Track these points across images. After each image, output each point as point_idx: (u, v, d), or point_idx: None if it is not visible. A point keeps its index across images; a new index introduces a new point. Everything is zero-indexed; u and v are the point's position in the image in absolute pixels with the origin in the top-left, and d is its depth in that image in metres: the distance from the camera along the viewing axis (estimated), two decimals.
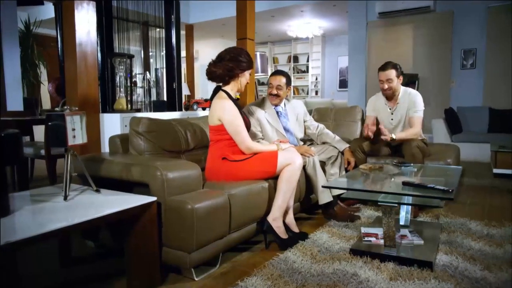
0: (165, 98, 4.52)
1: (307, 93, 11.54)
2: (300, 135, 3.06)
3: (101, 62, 3.58)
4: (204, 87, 10.84)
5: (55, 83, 4.68)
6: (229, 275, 1.93)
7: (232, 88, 2.39)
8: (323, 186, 2.41)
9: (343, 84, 10.64)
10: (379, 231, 2.22)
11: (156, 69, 4.40)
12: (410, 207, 2.42)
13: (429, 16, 6.45)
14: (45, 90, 6.68)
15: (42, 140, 3.65)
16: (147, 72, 4.35)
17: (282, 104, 2.98)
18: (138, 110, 3.73)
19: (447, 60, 6.34)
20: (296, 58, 11.72)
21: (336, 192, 2.69)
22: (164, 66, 4.46)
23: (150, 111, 3.95)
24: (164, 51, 4.48)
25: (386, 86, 3.01)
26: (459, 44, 6.24)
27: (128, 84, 3.55)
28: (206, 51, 11.30)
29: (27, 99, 6.11)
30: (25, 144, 3.80)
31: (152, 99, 4.20)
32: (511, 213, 2.89)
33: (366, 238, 2.21)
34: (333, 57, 11.06)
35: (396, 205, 2.05)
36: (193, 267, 1.84)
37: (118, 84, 3.36)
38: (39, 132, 4.10)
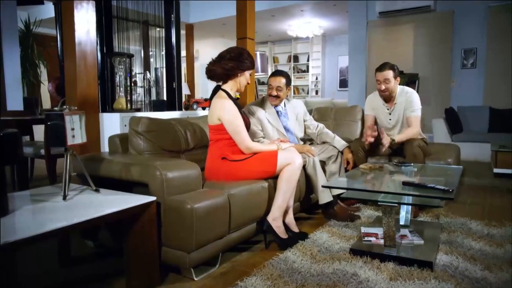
0: (165, 98, 4.51)
1: (307, 93, 11.54)
2: (300, 134, 3.06)
3: (100, 61, 3.57)
4: (204, 86, 10.84)
5: (55, 83, 4.68)
6: (228, 275, 1.92)
7: (231, 87, 2.39)
8: (323, 186, 2.40)
9: (343, 83, 10.64)
10: (379, 231, 2.21)
11: (155, 69, 4.40)
12: (410, 207, 2.42)
13: (429, 16, 6.44)
14: (45, 90, 6.68)
15: (42, 139, 3.65)
16: (147, 71, 4.35)
17: (282, 104, 2.98)
18: (138, 110, 3.73)
19: (447, 60, 6.33)
20: (296, 58, 11.72)
21: (336, 191, 2.69)
22: (164, 65, 4.45)
23: (150, 110, 3.94)
24: (164, 51, 4.48)
25: (383, 87, 3.00)
26: (459, 43, 6.23)
27: (128, 83, 3.54)
28: (206, 51, 11.29)
29: (27, 98, 6.11)
30: (25, 144, 3.80)
31: (152, 99, 4.20)
32: (511, 213, 2.89)
33: (366, 238, 2.21)
34: (333, 56, 11.05)
35: (396, 205, 2.05)
36: (192, 267, 1.84)
37: (118, 84, 3.35)
38: (39, 131, 4.10)
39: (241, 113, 2.35)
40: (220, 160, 2.31)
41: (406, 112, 3.06)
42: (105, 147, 2.56)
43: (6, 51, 5.67)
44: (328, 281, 1.79)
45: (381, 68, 3.02)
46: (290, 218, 2.40)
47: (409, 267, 1.90)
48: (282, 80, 2.84)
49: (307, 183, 2.72)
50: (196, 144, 2.61)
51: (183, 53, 9.02)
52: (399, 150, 3.15)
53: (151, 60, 4.68)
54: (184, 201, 1.78)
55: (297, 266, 1.95)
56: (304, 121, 3.09)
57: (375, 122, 3.23)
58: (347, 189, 2.20)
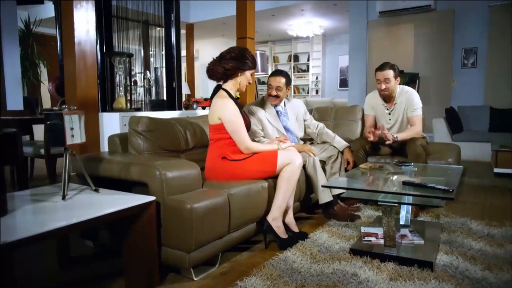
0: (164, 98, 4.51)
1: (308, 92, 11.53)
2: (300, 134, 3.05)
3: (100, 61, 3.57)
4: (204, 86, 10.84)
5: (55, 83, 4.67)
6: (228, 275, 1.92)
7: (231, 87, 2.38)
8: (323, 186, 2.40)
9: (343, 83, 10.63)
10: (379, 230, 2.21)
11: (155, 68, 4.40)
12: (410, 206, 2.41)
13: (430, 15, 6.43)
14: (46, 90, 6.68)
15: (42, 139, 3.65)
16: (147, 71, 4.35)
17: (282, 104, 2.97)
18: (138, 109, 3.73)
19: (448, 59, 6.32)
20: (296, 57, 11.71)
21: (336, 191, 2.68)
22: (164, 65, 4.45)
23: (150, 110, 3.94)
24: (164, 50, 4.47)
25: (383, 86, 3.00)
26: (460, 43, 6.22)
27: (128, 83, 3.54)
28: (206, 50, 11.29)
29: (27, 98, 6.10)
30: (25, 144, 3.80)
31: (152, 98, 4.20)
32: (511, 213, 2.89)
33: (366, 238, 2.20)
34: (333, 56, 11.04)
35: (396, 204, 2.04)
36: (192, 267, 1.84)
37: (118, 83, 3.35)
38: (39, 131, 4.10)
39: (241, 112, 2.35)
40: (220, 159, 2.30)
41: (408, 112, 3.05)
42: (104, 147, 2.55)
43: (6, 50, 5.67)
44: (328, 281, 1.78)
45: (382, 67, 3.01)
46: (290, 218, 2.39)
47: (409, 267, 1.90)
48: (282, 80, 2.83)
49: (307, 183, 2.72)
50: (196, 144, 2.60)
51: (183, 52, 9.01)
52: (400, 150, 3.14)
53: (151, 59, 4.68)
54: (184, 201, 1.78)
55: (297, 266, 1.95)
56: (304, 120, 3.09)
57: (375, 121, 3.23)
58: (347, 189, 2.19)
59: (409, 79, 6.10)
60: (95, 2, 2.57)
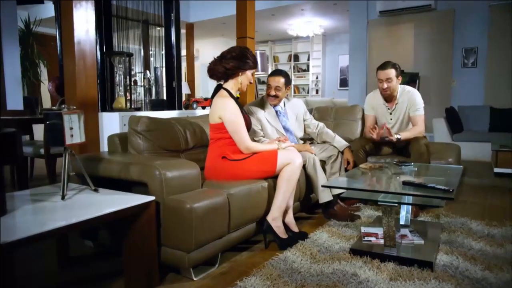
0: (164, 97, 4.51)
1: (308, 92, 11.53)
2: (300, 134, 3.04)
3: (100, 61, 3.57)
4: (204, 86, 10.84)
5: (55, 82, 4.67)
6: (228, 275, 1.92)
7: (232, 86, 2.38)
8: (323, 186, 2.39)
9: (343, 83, 10.62)
10: (379, 230, 2.21)
11: (155, 68, 4.39)
12: (410, 206, 2.41)
13: (430, 15, 6.42)
14: (46, 89, 6.68)
15: (42, 139, 3.64)
16: (147, 71, 4.35)
17: (281, 104, 2.97)
18: (138, 109, 3.73)
19: (448, 59, 6.32)
20: (296, 57, 11.70)
21: (336, 191, 2.68)
22: (164, 65, 4.45)
23: (150, 110, 3.94)
24: (164, 50, 4.47)
25: (385, 86, 2.99)
26: (460, 42, 6.22)
27: (127, 82, 3.54)
28: (206, 50, 11.29)
29: (27, 98, 6.10)
30: (25, 143, 3.79)
31: (152, 98, 4.20)
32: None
33: (366, 238, 2.20)
34: (333, 56, 11.04)
35: (396, 204, 2.04)
36: (191, 267, 1.83)
37: (118, 83, 3.35)
38: (39, 131, 4.10)
39: (242, 112, 2.34)
40: (220, 159, 2.30)
41: (410, 112, 3.05)
42: (104, 147, 2.55)
43: (6, 50, 5.66)
44: (328, 281, 1.78)
45: (383, 66, 3.01)
46: (290, 218, 2.39)
47: (409, 267, 1.90)
48: (281, 80, 2.82)
49: (307, 183, 2.71)
50: (196, 144, 2.60)
51: (184, 52, 9.01)
52: (400, 150, 3.14)
53: (151, 59, 4.68)
54: (183, 201, 1.78)
55: (297, 266, 1.94)
56: (304, 120, 3.08)
57: (375, 122, 3.22)
58: (347, 188, 2.19)
59: (409, 79, 6.10)
60: (95, 2, 2.57)
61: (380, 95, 3.16)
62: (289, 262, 1.99)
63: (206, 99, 4.56)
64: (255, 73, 4.41)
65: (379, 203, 2.03)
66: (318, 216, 2.88)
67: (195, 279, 1.86)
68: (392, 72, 2.97)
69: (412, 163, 2.60)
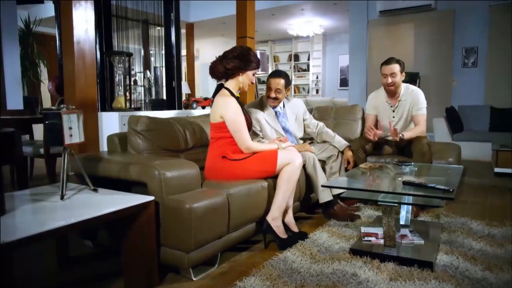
0: (164, 97, 4.50)
1: (308, 92, 11.53)
2: (300, 134, 3.04)
3: (100, 60, 3.56)
4: (204, 85, 10.83)
5: (55, 82, 4.67)
6: (227, 275, 1.91)
7: (233, 86, 2.38)
8: (322, 186, 2.39)
9: (344, 82, 10.62)
10: (379, 230, 2.20)
11: (155, 68, 4.39)
12: (410, 206, 2.41)
13: (430, 14, 6.42)
14: (46, 89, 6.68)
15: (42, 138, 3.64)
16: (147, 70, 4.34)
17: (280, 104, 2.95)
18: (138, 109, 3.72)
19: (448, 59, 6.31)
20: (296, 57, 11.70)
21: (336, 191, 2.67)
22: (164, 64, 4.44)
23: (150, 109, 3.93)
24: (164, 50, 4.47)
25: (390, 80, 2.99)
26: (460, 42, 6.21)
27: (127, 82, 3.53)
28: (206, 50, 11.28)
29: (27, 97, 6.10)
30: (25, 143, 3.79)
31: (152, 98, 4.19)
32: None
33: (366, 238, 2.20)
34: (334, 55, 11.04)
35: (396, 204, 2.04)
36: (191, 267, 1.83)
37: (117, 83, 3.34)
38: (39, 131, 4.09)
39: (243, 111, 2.34)
40: (220, 159, 2.30)
41: (412, 111, 3.05)
42: (104, 146, 2.55)
43: (6, 50, 5.65)
44: (327, 281, 1.77)
45: (388, 61, 3.03)
46: (289, 218, 2.38)
47: (409, 267, 1.89)
48: (281, 82, 2.80)
49: (307, 183, 2.71)
50: (196, 143, 2.59)
51: (184, 52, 9.01)
52: (401, 150, 3.14)
53: (152, 59, 4.67)
54: (183, 201, 1.77)
55: (297, 266, 1.94)
56: (303, 120, 3.07)
57: (376, 122, 3.22)
58: (347, 188, 2.18)
59: (410, 79, 6.09)
60: (95, 2, 2.56)
61: (382, 93, 3.16)
62: (289, 262, 1.99)
63: (206, 98, 4.55)
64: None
65: (379, 203, 2.03)
66: (318, 216, 2.88)
67: (194, 279, 1.85)
68: (396, 67, 2.98)
69: (412, 163, 2.60)
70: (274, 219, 2.23)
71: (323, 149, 2.94)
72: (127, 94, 3.61)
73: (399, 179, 2.18)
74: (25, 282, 1.89)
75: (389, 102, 3.13)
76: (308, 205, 2.88)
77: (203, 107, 4.52)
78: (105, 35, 3.70)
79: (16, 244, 1.25)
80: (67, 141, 1.72)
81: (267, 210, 2.25)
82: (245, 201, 2.10)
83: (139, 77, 4.28)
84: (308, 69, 11.50)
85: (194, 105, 4.36)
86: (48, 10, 7.43)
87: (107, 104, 3.62)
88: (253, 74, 2.42)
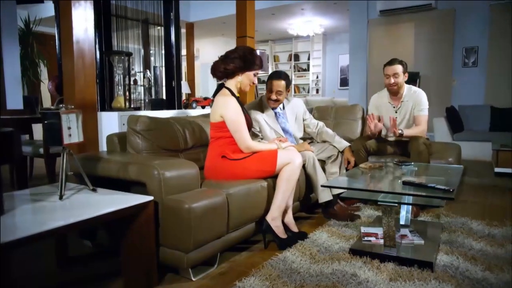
0: (164, 97, 4.50)
1: (308, 92, 11.52)
2: (300, 134, 3.03)
3: (99, 60, 3.56)
4: (204, 85, 10.83)
5: (54, 82, 4.67)
6: (227, 275, 1.91)
7: (233, 86, 2.37)
8: (322, 185, 2.38)
9: (344, 82, 10.61)
10: (379, 230, 2.20)
11: (154, 67, 4.38)
12: (410, 206, 2.40)
13: (430, 14, 6.41)
14: (46, 88, 6.68)
15: (42, 138, 3.64)
16: (147, 70, 4.33)
17: (280, 105, 2.94)
18: (137, 109, 3.72)
19: (448, 58, 6.31)
20: (297, 56, 11.69)
21: (336, 191, 2.67)
22: (163, 64, 4.44)
23: (151, 109, 3.93)
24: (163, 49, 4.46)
25: (392, 81, 3.01)
26: (460, 42, 6.21)
27: (127, 82, 3.53)
28: (206, 49, 11.28)
29: (27, 97, 6.10)
30: (24, 143, 3.79)
31: (151, 97, 4.19)
32: None
33: (366, 238, 2.19)
34: (334, 55, 11.03)
35: (396, 204, 2.03)
36: (190, 267, 1.82)
37: (117, 82, 3.34)
38: (38, 130, 4.09)
39: (243, 111, 2.33)
40: (220, 158, 2.29)
41: (414, 111, 3.06)
42: (103, 146, 2.54)
43: (6, 49, 5.65)
44: (327, 281, 1.77)
45: (391, 62, 3.05)
46: (289, 218, 2.38)
47: (409, 268, 1.89)
48: (283, 84, 2.78)
49: (307, 183, 2.70)
50: (195, 143, 2.59)
51: (184, 51, 9.01)
52: (401, 150, 3.13)
53: (152, 58, 4.66)
54: (182, 201, 1.77)
55: (296, 266, 1.93)
56: (303, 120, 3.07)
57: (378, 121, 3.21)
58: (346, 188, 2.18)
59: (410, 78, 6.05)
60: (94, 1, 2.55)
61: (385, 94, 3.17)
62: (289, 262, 1.99)
63: (205, 98, 4.55)
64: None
65: (379, 203, 2.02)
66: (317, 216, 2.87)
67: (193, 279, 1.85)
68: (399, 68, 3.00)
69: (412, 163, 2.59)
70: (273, 219, 2.22)
71: (323, 149, 2.93)
72: (127, 93, 3.61)
73: (399, 179, 2.17)
74: (25, 282, 1.88)
75: (392, 103, 3.14)
76: (308, 205, 2.88)
77: (203, 107, 4.51)
78: (104, 34, 3.70)
79: (16, 244, 1.24)
80: (66, 141, 1.71)
81: (266, 210, 2.25)
82: (245, 201, 2.09)
83: (139, 77, 4.27)
84: (308, 69, 11.49)
85: (194, 105, 4.36)
86: (48, 9, 7.43)
87: (107, 104, 3.62)
88: (255, 75, 2.41)
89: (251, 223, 2.20)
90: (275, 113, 2.90)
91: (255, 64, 2.35)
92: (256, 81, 2.43)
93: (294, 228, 2.38)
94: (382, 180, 2.34)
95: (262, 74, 4.65)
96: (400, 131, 2.93)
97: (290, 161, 2.24)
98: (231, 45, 2.48)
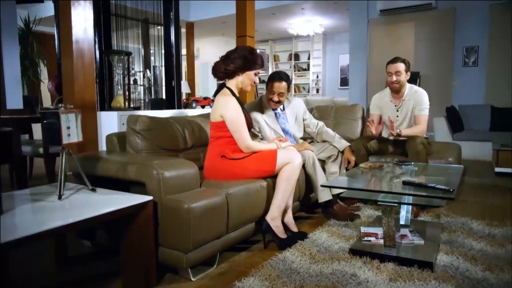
0: (163, 96, 4.49)
1: (308, 91, 11.52)
2: (300, 134, 3.02)
3: (99, 60, 3.55)
4: (204, 85, 10.81)
5: (54, 81, 4.66)
6: (226, 275, 1.91)
7: (234, 86, 2.37)
8: (322, 185, 2.38)
9: (344, 82, 10.61)
10: (379, 230, 2.19)
11: (154, 67, 4.38)
12: (410, 206, 2.40)
13: (430, 14, 6.40)
14: (46, 88, 6.68)
15: (41, 138, 3.63)
16: (147, 70, 4.33)
17: (281, 106, 2.93)
18: (137, 108, 3.71)
19: (449, 58, 6.30)
20: (297, 56, 11.69)
21: (336, 191, 2.66)
22: (163, 64, 4.43)
23: (151, 109, 3.92)
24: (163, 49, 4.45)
25: (394, 78, 3.01)
26: (461, 41, 6.20)
27: (126, 82, 3.52)
28: (206, 49, 11.27)
29: (27, 97, 6.10)
30: (24, 142, 3.79)
31: (151, 97, 4.18)
32: None
33: (365, 238, 2.19)
34: (334, 55, 11.02)
35: (396, 204, 2.03)
36: (189, 267, 1.82)
37: (116, 82, 3.33)
38: (38, 130, 4.08)
39: (243, 111, 2.33)
40: (219, 158, 2.29)
41: (415, 111, 3.06)
42: (103, 146, 2.54)
43: (5, 49, 5.65)
44: (327, 281, 1.76)
45: (393, 60, 3.06)
46: (289, 218, 2.37)
47: (409, 268, 1.88)
48: (284, 85, 2.77)
49: (306, 182, 2.70)
50: (195, 143, 2.59)
51: (184, 51, 9.00)
52: (402, 150, 3.13)
53: (152, 58, 4.66)
54: (181, 201, 1.76)
55: (296, 266, 1.93)
56: (303, 120, 3.06)
57: (379, 120, 3.21)
58: (346, 188, 2.17)
59: (410, 78, 6.07)
60: (94, 1, 2.55)
61: (387, 93, 3.17)
62: (288, 262, 1.98)
63: (205, 98, 4.55)
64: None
65: (379, 203, 2.01)
66: (317, 216, 2.87)
67: (193, 279, 1.85)
68: (401, 66, 3.01)
69: (412, 163, 2.59)
70: (273, 219, 2.22)
71: (323, 149, 2.93)
72: (126, 93, 3.60)
73: (399, 178, 2.17)
74: (24, 282, 1.88)
75: (393, 101, 3.14)
76: (307, 204, 2.87)
77: (203, 107, 4.51)
78: (104, 34, 3.69)
79: (15, 244, 1.24)
80: (65, 140, 1.71)
81: (266, 210, 2.24)
82: (244, 201, 2.09)
83: (138, 77, 4.27)
84: (308, 69, 11.49)
85: (194, 105, 4.36)
86: (48, 9, 7.43)
87: (106, 104, 3.61)
88: (256, 74, 2.40)
89: (250, 223, 2.20)
90: (275, 114, 2.90)
91: (255, 64, 2.34)
92: (257, 80, 2.42)
93: (294, 228, 2.38)
94: (382, 180, 2.34)
95: (262, 74, 4.65)
96: (398, 131, 2.92)
97: (290, 161, 2.23)
98: (231, 44, 2.48)
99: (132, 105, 3.82)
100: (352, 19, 7.15)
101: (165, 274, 1.90)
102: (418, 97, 3.05)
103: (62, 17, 2.43)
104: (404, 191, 1.95)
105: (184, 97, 7.07)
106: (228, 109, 2.25)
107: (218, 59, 2.39)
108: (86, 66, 2.47)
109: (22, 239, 1.26)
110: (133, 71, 4.02)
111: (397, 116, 3.13)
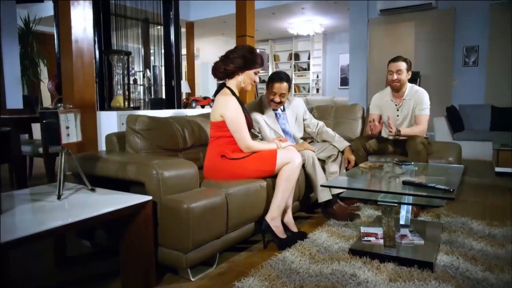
0: (163, 96, 4.49)
1: (308, 91, 11.51)
2: (300, 135, 3.01)
3: (98, 59, 3.55)
4: (204, 85, 10.81)
5: (54, 81, 4.65)
6: (226, 275, 1.90)
7: (234, 86, 2.36)
8: (322, 185, 2.37)
9: (344, 82, 10.60)
10: (379, 230, 2.19)
11: (153, 67, 4.38)
12: (410, 206, 2.39)
13: (431, 13, 6.40)
14: (46, 88, 6.67)
15: (41, 138, 3.63)
16: (147, 69, 4.32)
17: (281, 106, 2.93)
18: (136, 108, 3.71)
19: (449, 58, 6.29)
20: (297, 56, 11.68)
21: (336, 190, 2.66)
22: (163, 63, 4.43)
23: (151, 108, 3.92)
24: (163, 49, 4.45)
25: (395, 77, 3.01)
26: (461, 41, 6.20)
27: (126, 81, 3.52)
28: (206, 49, 11.26)
29: (27, 96, 6.10)
30: (24, 142, 3.78)
31: (151, 97, 4.17)
32: None
33: (365, 238, 2.18)
34: (334, 54, 11.02)
35: (396, 204, 2.02)
36: (189, 267, 1.82)
37: (116, 82, 3.33)
38: (38, 130, 4.08)
39: (243, 111, 2.33)
40: (219, 158, 2.28)
41: (416, 110, 3.06)
42: (102, 146, 2.54)
43: (5, 49, 5.66)
44: (326, 281, 1.76)
45: (395, 59, 3.06)
46: (289, 218, 2.37)
47: (409, 268, 1.88)
48: (285, 86, 2.76)
49: (306, 182, 2.69)
50: (194, 143, 2.58)
51: (184, 51, 8.99)
52: (402, 150, 3.12)
53: (152, 58, 4.65)
54: (181, 201, 1.76)
55: (296, 266, 1.93)
56: (303, 120, 3.06)
57: (379, 120, 3.21)
58: (346, 188, 2.17)
59: (410, 78, 6.08)
60: (93, 0, 2.55)
61: (387, 93, 3.17)
62: (288, 262, 1.98)
63: (205, 98, 4.54)
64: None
65: (378, 203, 2.01)
66: (317, 216, 2.87)
67: (192, 279, 1.84)
68: (402, 65, 3.02)
69: (412, 163, 2.58)
70: (273, 219, 2.21)
71: (323, 149, 2.92)
72: (126, 93, 3.59)
73: (399, 178, 2.16)
74: (24, 282, 1.88)
75: (394, 100, 3.13)
76: (307, 204, 2.87)
77: (203, 106, 4.50)
78: (104, 34, 3.69)
79: (14, 244, 1.24)
80: (64, 140, 1.70)
81: (266, 210, 2.24)
82: (244, 201, 2.09)
83: (138, 76, 4.26)
84: (308, 68, 11.48)
85: (194, 104, 4.35)
86: (48, 9, 7.42)
87: (106, 103, 3.61)
88: (256, 73, 2.40)
89: (250, 223, 2.20)
90: (276, 114, 2.89)
91: (255, 63, 2.34)
92: (257, 80, 2.42)
93: (294, 228, 2.38)
94: (382, 180, 2.34)
95: (262, 73, 4.64)
96: (397, 131, 2.92)
97: (290, 161, 2.23)
98: (231, 44, 2.47)
99: (131, 105, 3.82)
100: (352, 19, 7.15)
101: (165, 274, 1.90)
102: (419, 97, 3.05)
103: (62, 16, 2.42)
104: (404, 191, 1.95)
105: (184, 97, 7.07)
106: (228, 109, 2.25)
107: (218, 59, 2.39)
108: (85, 65, 2.47)
109: (21, 239, 1.26)
110: (132, 71, 4.01)
111: (398, 116, 3.13)
